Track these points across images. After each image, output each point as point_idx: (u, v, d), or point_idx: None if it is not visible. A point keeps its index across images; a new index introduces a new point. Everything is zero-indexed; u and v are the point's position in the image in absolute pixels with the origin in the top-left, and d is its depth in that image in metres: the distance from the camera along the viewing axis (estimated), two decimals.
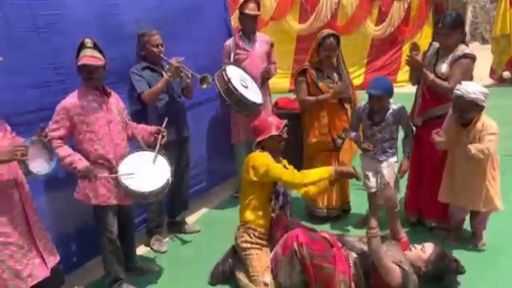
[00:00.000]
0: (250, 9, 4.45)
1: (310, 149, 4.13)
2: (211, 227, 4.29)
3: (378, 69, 10.32)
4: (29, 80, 3.00)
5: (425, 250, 3.05)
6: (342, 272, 3.04)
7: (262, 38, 4.64)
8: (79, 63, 2.95)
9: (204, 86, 3.83)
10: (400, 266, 2.92)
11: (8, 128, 2.60)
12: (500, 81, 9.87)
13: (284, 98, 5.53)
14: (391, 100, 3.75)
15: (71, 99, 3.01)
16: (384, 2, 9.95)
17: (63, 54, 3.08)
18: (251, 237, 3.29)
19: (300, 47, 9.46)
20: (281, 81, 9.45)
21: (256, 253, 3.25)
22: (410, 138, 3.81)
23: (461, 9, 16.29)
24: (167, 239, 4.11)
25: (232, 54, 4.44)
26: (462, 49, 3.54)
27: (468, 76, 3.52)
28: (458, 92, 3.31)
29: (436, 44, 3.73)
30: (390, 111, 3.73)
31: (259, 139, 3.34)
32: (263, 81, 4.59)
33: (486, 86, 10.38)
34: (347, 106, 4.14)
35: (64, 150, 2.96)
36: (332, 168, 3.26)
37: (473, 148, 3.31)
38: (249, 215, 3.32)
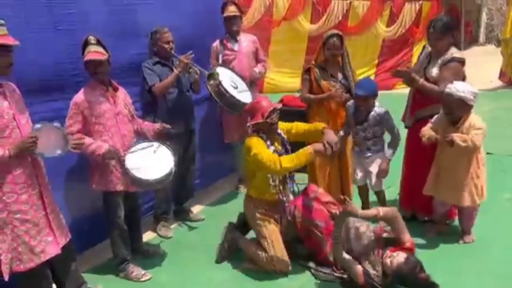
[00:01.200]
0: (230, 11, 4.66)
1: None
2: (214, 216, 4.50)
3: (389, 69, 10.34)
4: (48, 74, 3.23)
5: (393, 262, 3.07)
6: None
7: (248, 37, 4.86)
8: (85, 59, 3.17)
9: (211, 82, 4.04)
10: (363, 268, 3.13)
11: None
12: (510, 83, 9.85)
13: (289, 96, 5.72)
14: (376, 103, 3.93)
15: (80, 95, 3.24)
16: (395, 4, 10.03)
17: (78, 50, 3.27)
18: (257, 207, 3.58)
19: (311, 47, 9.54)
20: (291, 80, 9.60)
21: (265, 222, 3.55)
22: (396, 142, 3.91)
23: (476, 11, 16.24)
24: (173, 225, 4.33)
25: (221, 56, 4.63)
26: (451, 52, 3.66)
27: (457, 79, 3.59)
28: (448, 90, 3.44)
29: (429, 48, 3.86)
30: (373, 113, 3.89)
31: (248, 124, 3.52)
32: (251, 81, 4.73)
33: (495, 88, 10.39)
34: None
35: (86, 140, 3.17)
36: (311, 148, 3.31)
37: (456, 136, 3.39)
38: (253, 191, 3.60)
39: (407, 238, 3.19)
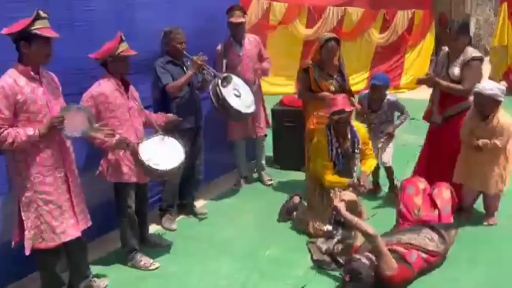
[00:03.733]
0: (235, 17, 4.69)
1: (309, 135, 4.52)
2: (216, 211, 4.63)
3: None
4: (69, 67, 3.34)
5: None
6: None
7: (251, 40, 4.91)
8: (126, 53, 3.33)
9: (225, 84, 4.16)
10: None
11: None
12: None
13: (289, 96, 5.93)
14: (387, 92, 4.58)
15: (96, 88, 3.35)
16: (388, 12, 10.28)
17: (93, 46, 3.40)
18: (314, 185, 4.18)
19: (307, 51, 9.67)
20: (286, 83, 9.75)
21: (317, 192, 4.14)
22: (405, 117, 4.62)
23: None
24: (177, 219, 4.46)
25: (225, 61, 4.57)
26: (470, 51, 3.98)
27: (478, 76, 3.99)
28: (477, 90, 3.80)
29: (446, 48, 4.19)
30: (385, 101, 4.54)
31: (321, 113, 4.12)
32: (255, 82, 4.88)
33: None
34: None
35: None
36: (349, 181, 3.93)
37: (481, 142, 3.82)
38: (311, 173, 4.22)
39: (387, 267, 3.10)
